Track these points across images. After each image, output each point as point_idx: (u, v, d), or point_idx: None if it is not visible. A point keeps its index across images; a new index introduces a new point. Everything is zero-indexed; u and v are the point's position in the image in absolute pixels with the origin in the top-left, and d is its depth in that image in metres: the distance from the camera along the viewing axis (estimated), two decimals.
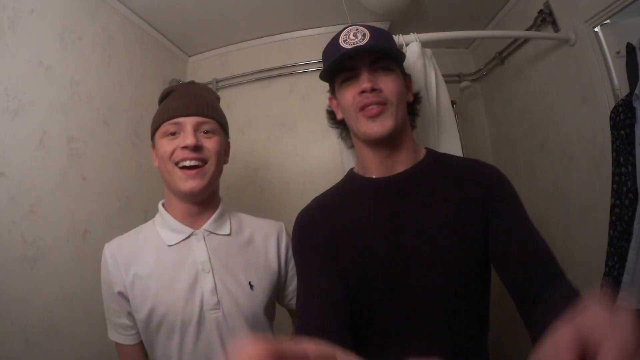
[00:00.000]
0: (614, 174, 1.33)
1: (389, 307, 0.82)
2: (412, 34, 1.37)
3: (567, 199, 1.77)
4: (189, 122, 0.96)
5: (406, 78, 0.96)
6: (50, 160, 1.24)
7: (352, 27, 0.90)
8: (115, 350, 0.98)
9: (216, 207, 1.03)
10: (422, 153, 0.93)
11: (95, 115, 1.46)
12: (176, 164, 0.94)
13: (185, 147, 0.93)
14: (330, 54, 0.90)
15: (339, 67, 0.89)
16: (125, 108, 1.63)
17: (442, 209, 0.83)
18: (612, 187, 1.33)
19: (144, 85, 1.78)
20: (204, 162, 0.95)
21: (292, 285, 1.06)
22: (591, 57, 1.56)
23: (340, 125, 1.00)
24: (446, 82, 1.39)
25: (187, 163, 0.93)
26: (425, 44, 1.36)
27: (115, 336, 0.96)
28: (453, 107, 1.30)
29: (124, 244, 0.98)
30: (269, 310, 1.01)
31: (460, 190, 0.85)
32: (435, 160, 0.92)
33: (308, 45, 2.04)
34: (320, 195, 0.97)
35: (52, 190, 1.22)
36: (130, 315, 0.94)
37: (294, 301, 1.04)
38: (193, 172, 0.93)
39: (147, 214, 1.61)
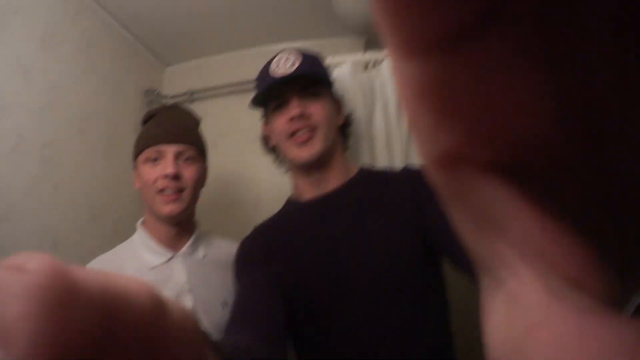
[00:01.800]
0: None
1: (336, 325, 0.82)
2: (385, 51, 1.38)
3: None
4: (170, 150, 1.03)
5: (337, 101, 0.99)
6: (24, 166, 1.22)
7: (283, 53, 0.94)
8: None
9: (193, 231, 1.11)
10: (354, 171, 0.96)
11: (71, 122, 1.44)
12: (157, 190, 1.02)
13: (166, 176, 1.00)
14: (261, 81, 0.94)
15: (269, 95, 0.92)
16: (100, 117, 1.61)
17: (373, 219, 0.85)
18: None
19: (120, 94, 1.76)
20: (182, 190, 1.03)
21: None
22: None
23: (274, 151, 1.03)
24: None
25: (168, 191, 1.01)
26: None
27: None
28: None
29: (107, 263, 1.00)
30: None
31: (390, 196, 0.87)
32: (366, 175, 0.95)
33: None
34: (261, 223, 1.00)
35: (24, 197, 1.20)
36: None
37: None
38: (172, 197, 1.01)
39: (118, 227, 1.59)
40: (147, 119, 1.13)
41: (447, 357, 0.83)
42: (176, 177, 1.01)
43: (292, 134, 0.90)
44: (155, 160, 1.03)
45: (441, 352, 0.82)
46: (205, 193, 1.17)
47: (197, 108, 1.83)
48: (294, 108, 0.89)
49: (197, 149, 1.08)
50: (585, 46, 0.10)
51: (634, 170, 0.11)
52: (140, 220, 1.10)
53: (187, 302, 0.97)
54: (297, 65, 0.90)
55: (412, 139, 1.31)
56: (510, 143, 0.10)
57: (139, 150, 1.06)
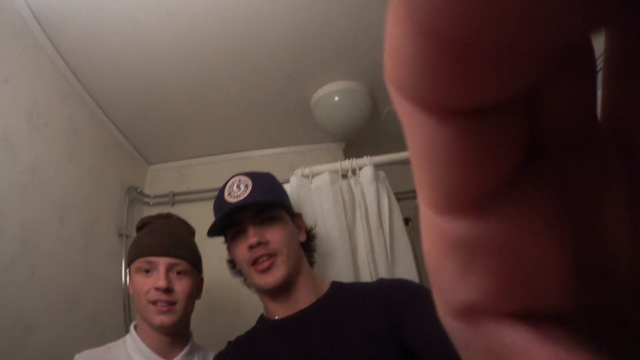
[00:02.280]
0: None
1: None
2: (365, 157, 1.42)
3: None
4: (162, 262, 1.03)
5: (295, 218, 1.00)
6: (3, 244, 1.16)
7: (235, 178, 0.97)
8: None
9: (187, 342, 1.09)
10: (326, 287, 0.94)
11: (52, 207, 1.41)
12: (149, 301, 1.01)
13: (157, 288, 1.00)
14: (217, 209, 0.96)
15: (226, 222, 0.93)
16: (80, 208, 1.58)
17: (348, 335, 0.82)
18: None
19: (102, 187, 1.74)
20: (174, 303, 1.02)
21: None
22: None
23: (241, 274, 1.03)
24: (401, 199, 1.42)
25: (159, 304, 1.00)
26: (379, 166, 1.41)
27: None
28: (408, 224, 1.32)
29: (95, 358, 0.99)
30: None
31: (363, 310, 0.85)
32: (338, 291, 0.93)
33: (266, 163, 2.08)
34: (234, 339, 0.97)
35: (0, 276, 1.15)
36: None
37: None
38: (164, 308, 1.00)
39: (95, 319, 1.53)
40: (140, 226, 1.14)
41: None
42: (167, 290, 1.01)
43: (254, 262, 0.89)
44: (147, 271, 1.04)
45: None
46: None
47: (179, 210, 1.81)
48: (252, 237, 0.89)
49: (189, 262, 1.08)
50: (601, 212, 0.11)
51: None
52: (133, 324, 1.09)
53: None
54: (249, 190, 0.91)
55: (394, 247, 1.30)
56: (532, 295, 0.11)
57: (131, 258, 1.07)
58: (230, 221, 0.93)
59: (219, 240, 2.00)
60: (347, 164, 1.42)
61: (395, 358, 0.79)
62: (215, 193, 1.95)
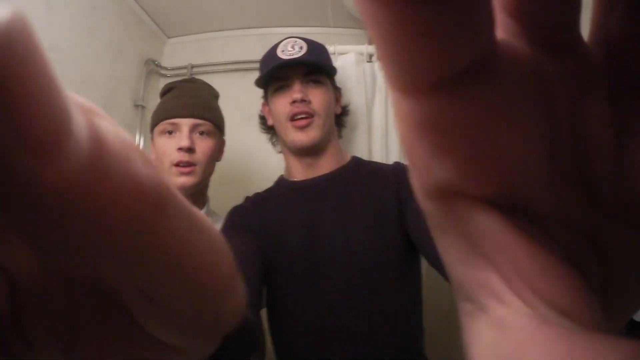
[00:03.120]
0: None
1: (307, 303, 0.84)
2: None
3: None
4: (184, 123, 1.04)
5: (336, 91, 1.03)
6: None
7: (290, 39, 0.97)
8: None
9: (203, 205, 1.13)
10: (347, 159, 0.98)
11: (68, 85, 1.38)
12: (171, 163, 1.03)
13: (180, 149, 1.02)
14: (267, 62, 0.97)
15: (273, 76, 0.95)
16: (98, 82, 1.59)
17: (357, 206, 0.88)
18: None
19: (120, 61, 1.73)
20: (195, 164, 1.04)
21: None
22: None
23: (271, 131, 1.06)
24: None
25: (181, 164, 1.02)
26: None
27: None
28: None
29: None
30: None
31: (377, 188, 0.89)
32: (357, 164, 0.97)
33: None
34: (252, 195, 1.02)
35: None
36: None
37: None
38: (185, 169, 1.02)
39: None
40: (165, 92, 1.14)
41: (415, 351, 0.85)
42: (190, 150, 1.02)
43: (292, 117, 0.92)
44: (170, 132, 1.05)
45: (410, 345, 0.84)
46: None
47: None
48: (296, 92, 0.92)
49: (213, 124, 1.09)
50: (577, 93, 0.11)
51: (621, 208, 0.12)
52: None
53: None
54: (303, 51, 0.94)
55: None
56: (502, 181, 0.11)
57: (155, 122, 1.08)
58: (279, 75, 0.95)
59: (233, 113, 2.02)
60: (372, 48, 1.40)
61: (397, 242, 0.84)
62: (236, 66, 1.97)
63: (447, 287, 0.82)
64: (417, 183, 0.13)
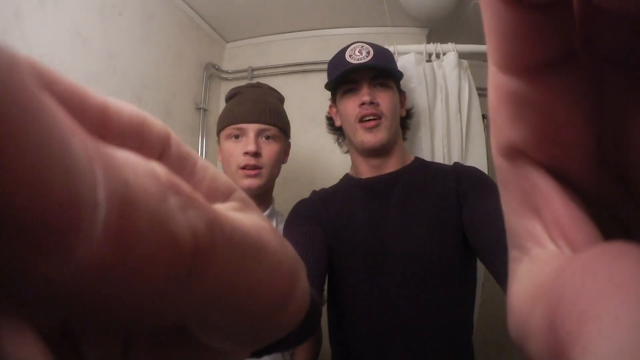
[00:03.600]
0: None
1: (368, 296, 0.88)
2: (449, 43, 1.38)
3: None
4: (251, 128, 1.07)
5: (401, 94, 1.06)
6: None
7: (357, 43, 1.03)
8: None
9: (269, 206, 1.16)
10: (410, 160, 1.01)
11: (129, 89, 1.49)
12: (238, 166, 1.06)
13: (246, 153, 1.05)
14: (336, 66, 1.02)
15: (342, 79, 0.99)
16: (158, 86, 1.65)
17: (420, 206, 0.91)
18: None
19: (180, 66, 1.80)
20: (261, 167, 1.07)
21: None
22: None
23: (338, 131, 1.10)
24: (480, 95, 1.40)
25: (248, 168, 1.06)
26: (462, 55, 1.37)
27: None
28: (484, 120, 1.31)
29: None
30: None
31: (438, 188, 0.92)
32: (421, 165, 1.00)
33: (346, 43, 2.04)
34: (319, 189, 1.06)
35: None
36: None
37: None
38: (252, 172, 1.06)
39: None
40: (231, 96, 1.18)
41: (465, 342, 0.89)
42: (256, 154, 1.06)
43: (361, 119, 0.96)
44: (237, 137, 1.09)
45: (463, 339, 0.88)
46: None
47: None
48: (365, 95, 0.96)
49: (278, 128, 1.12)
50: (627, 123, 0.13)
51: None
52: None
53: None
54: (370, 56, 0.98)
55: (469, 136, 1.30)
56: (558, 154, 0.14)
57: (221, 126, 1.12)
58: (348, 79, 1.00)
59: (293, 114, 2.07)
60: (431, 47, 1.40)
61: (456, 241, 0.87)
62: (295, 68, 2.01)
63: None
64: (494, 141, 0.15)
